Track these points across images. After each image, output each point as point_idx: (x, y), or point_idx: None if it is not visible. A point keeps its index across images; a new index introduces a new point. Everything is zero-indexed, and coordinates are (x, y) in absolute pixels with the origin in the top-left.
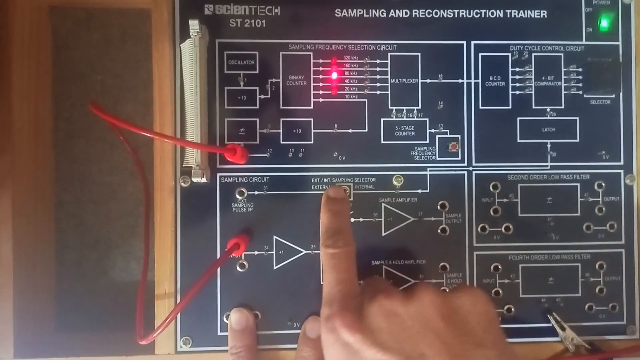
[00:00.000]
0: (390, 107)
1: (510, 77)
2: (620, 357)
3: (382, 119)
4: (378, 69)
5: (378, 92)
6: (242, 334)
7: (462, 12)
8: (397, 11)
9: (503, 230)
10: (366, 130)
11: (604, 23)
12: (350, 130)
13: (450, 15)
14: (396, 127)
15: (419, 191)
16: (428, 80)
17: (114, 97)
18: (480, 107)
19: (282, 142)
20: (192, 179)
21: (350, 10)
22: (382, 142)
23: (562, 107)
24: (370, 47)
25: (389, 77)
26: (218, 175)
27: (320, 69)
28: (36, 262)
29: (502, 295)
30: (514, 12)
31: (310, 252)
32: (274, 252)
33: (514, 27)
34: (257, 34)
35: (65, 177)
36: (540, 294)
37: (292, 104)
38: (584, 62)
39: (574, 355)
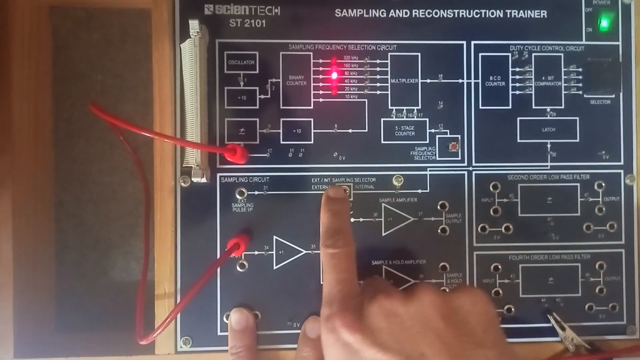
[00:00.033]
0: (390, 107)
1: (510, 77)
2: (620, 357)
3: (382, 119)
4: (378, 69)
5: (378, 92)
6: (242, 334)
7: (462, 12)
8: (397, 11)
9: (503, 230)
10: (366, 130)
11: (604, 23)
12: (350, 130)
13: (450, 15)
14: (396, 127)
15: (419, 191)
16: (428, 80)
17: (114, 97)
18: (480, 107)
19: (282, 142)
20: (192, 179)
21: (350, 10)
22: (382, 142)
23: (562, 107)
24: (370, 47)
25: (389, 77)
26: (218, 175)
27: (320, 69)
28: (36, 262)
29: (502, 295)
30: (514, 12)
31: (310, 252)
32: (274, 252)
33: (514, 27)
34: (257, 34)
35: (65, 177)
36: (540, 294)
37: (292, 104)
38: (584, 62)
39: (574, 355)
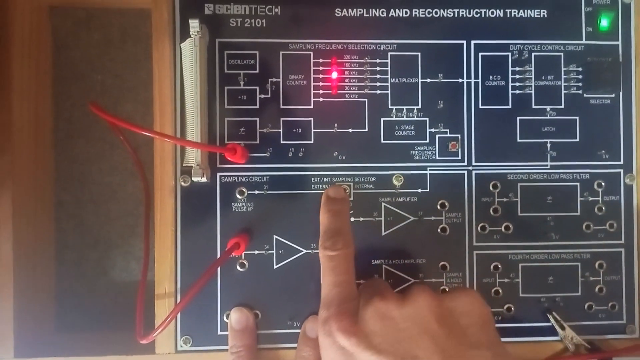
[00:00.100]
0: (390, 107)
1: (510, 76)
2: (619, 357)
3: (382, 119)
4: (378, 68)
5: (378, 92)
6: (242, 333)
7: (462, 11)
8: (397, 11)
9: (503, 230)
10: (366, 130)
11: (604, 23)
12: (350, 130)
13: (450, 14)
14: (396, 126)
15: (419, 190)
16: (428, 80)
17: (114, 97)
18: (480, 107)
19: (282, 142)
20: (193, 179)
21: (350, 10)
22: (382, 141)
23: (562, 106)
24: (370, 47)
25: (389, 76)
26: (218, 174)
27: (321, 68)
28: (36, 262)
29: (501, 294)
30: (514, 12)
31: (310, 251)
32: (274, 252)
33: (514, 27)
34: (257, 33)
35: (65, 177)
36: (540, 294)
37: (292, 103)
38: (584, 61)
39: (573, 354)
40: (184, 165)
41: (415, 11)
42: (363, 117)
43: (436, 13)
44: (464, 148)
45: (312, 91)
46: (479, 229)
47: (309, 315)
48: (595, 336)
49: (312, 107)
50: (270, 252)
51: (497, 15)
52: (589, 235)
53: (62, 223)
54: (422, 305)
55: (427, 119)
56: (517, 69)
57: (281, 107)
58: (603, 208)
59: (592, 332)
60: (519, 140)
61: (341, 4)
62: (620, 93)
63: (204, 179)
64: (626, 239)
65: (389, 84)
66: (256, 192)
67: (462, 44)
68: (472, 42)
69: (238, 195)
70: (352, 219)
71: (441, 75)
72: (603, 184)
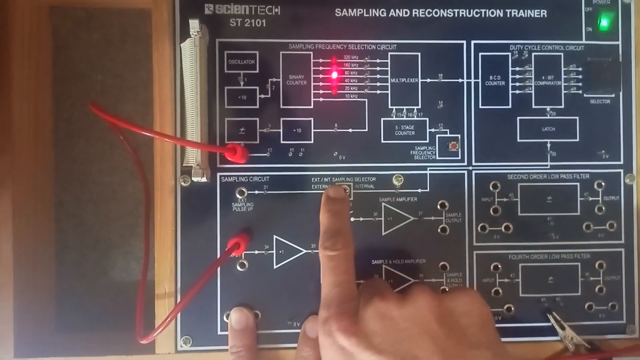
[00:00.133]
0: (390, 107)
1: (510, 76)
2: (619, 357)
3: (382, 119)
4: (378, 68)
5: (378, 92)
6: (242, 333)
7: (462, 11)
8: (397, 11)
9: (503, 230)
10: (366, 130)
11: (604, 23)
12: (350, 130)
13: (450, 14)
14: (396, 126)
15: (419, 190)
16: (428, 80)
17: (114, 97)
18: (480, 107)
19: (282, 142)
20: (193, 179)
21: (350, 10)
22: (382, 141)
23: (562, 106)
24: (370, 47)
25: (389, 76)
26: (218, 174)
27: (321, 68)
28: (36, 262)
29: (501, 294)
30: (514, 12)
31: (310, 251)
32: (274, 252)
33: (514, 27)
34: (257, 33)
35: (65, 177)
36: (540, 294)
37: (292, 103)
38: (584, 61)
39: (573, 354)
40: (184, 165)
41: (415, 11)
42: (363, 117)
43: (436, 13)
44: (464, 148)
45: (312, 91)
46: (479, 229)
47: (309, 315)
48: (595, 336)
49: (312, 107)
50: (270, 252)
51: (497, 15)
52: (589, 235)
53: (62, 223)
54: (422, 305)
55: (427, 119)
56: (517, 69)
57: (281, 107)
58: (603, 208)
59: (592, 332)
60: (519, 140)
61: (341, 4)
62: (620, 93)
63: (204, 179)
64: (626, 239)
65: (389, 84)
66: (256, 192)
67: (462, 44)
68: (472, 42)
69: (238, 195)
70: (352, 219)
71: (441, 75)
72: (603, 184)
